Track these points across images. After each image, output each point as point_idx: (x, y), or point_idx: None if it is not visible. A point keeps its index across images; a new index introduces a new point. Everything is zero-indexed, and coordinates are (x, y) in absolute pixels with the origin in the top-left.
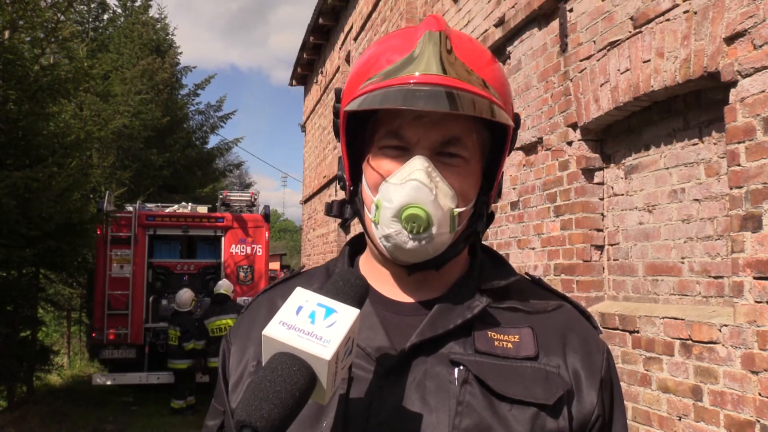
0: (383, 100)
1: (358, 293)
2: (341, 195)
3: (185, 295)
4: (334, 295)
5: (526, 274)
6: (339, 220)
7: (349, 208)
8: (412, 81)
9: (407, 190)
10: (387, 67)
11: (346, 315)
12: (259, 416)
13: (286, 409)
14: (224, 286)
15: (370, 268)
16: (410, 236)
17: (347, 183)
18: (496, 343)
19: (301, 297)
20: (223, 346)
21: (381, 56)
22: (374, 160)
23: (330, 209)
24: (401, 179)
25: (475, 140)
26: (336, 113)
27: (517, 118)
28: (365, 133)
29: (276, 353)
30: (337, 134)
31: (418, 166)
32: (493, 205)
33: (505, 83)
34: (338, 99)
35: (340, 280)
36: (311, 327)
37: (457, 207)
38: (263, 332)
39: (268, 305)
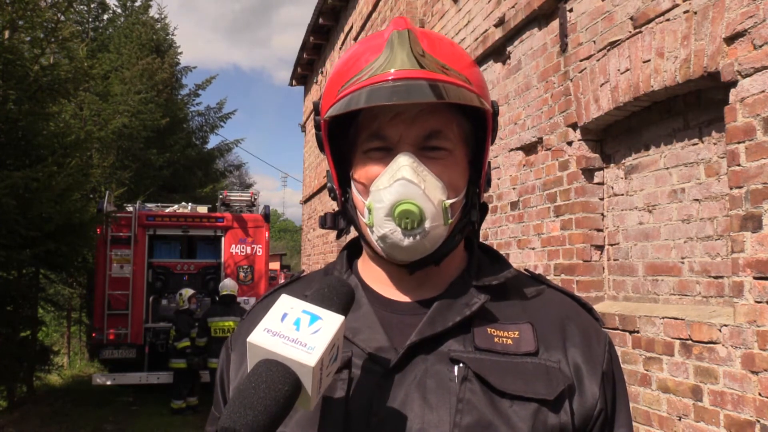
0: (366, 100)
1: (343, 300)
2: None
3: (181, 291)
4: (320, 302)
5: (525, 270)
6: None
7: (342, 219)
8: (390, 78)
9: (396, 188)
10: (362, 70)
11: (331, 322)
12: (243, 423)
13: (270, 416)
14: (230, 285)
15: (368, 270)
16: (405, 233)
17: (337, 193)
18: (496, 339)
19: (286, 304)
20: (223, 354)
21: (354, 61)
22: (361, 165)
23: (324, 222)
24: (389, 179)
25: (456, 131)
26: (317, 126)
27: (494, 105)
28: (348, 141)
29: (260, 360)
30: (321, 147)
31: (403, 163)
32: (485, 196)
33: (473, 67)
34: (317, 111)
35: (326, 287)
36: (296, 334)
37: (447, 198)
38: (248, 339)
39: (266, 311)
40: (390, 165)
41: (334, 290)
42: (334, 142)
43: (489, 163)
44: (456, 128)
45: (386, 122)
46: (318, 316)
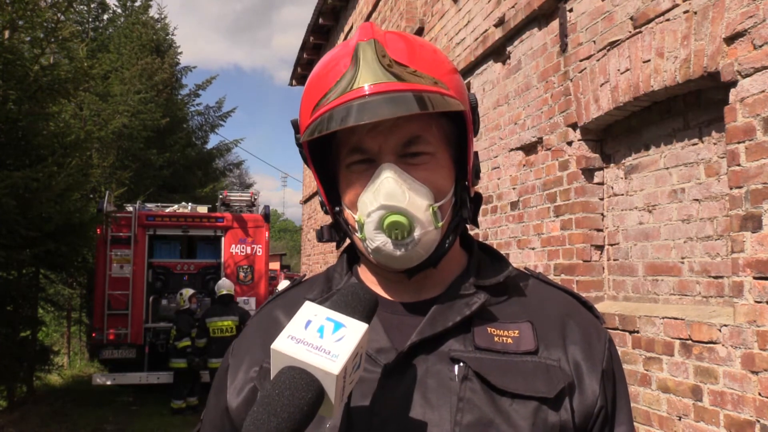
0: (339, 121)
1: (366, 308)
2: None
3: (181, 291)
4: (343, 309)
5: (525, 268)
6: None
7: (336, 232)
8: (366, 93)
9: (381, 201)
10: (331, 88)
11: (355, 329)
12: (266, 430)
13: (294, 423)
14: (226, 285)
15: (368, 273)
16: (396, 244)
17: (328, 208)
18: (496, 338)
19: (310, 311)
20: (224, 362)
21: (323, 76)
22: (346, 180)
23: (321, 236)
24: (374, 192)
25: (436, 133)
26: (299, 145)
27: (472, 99)
28: (332, 156)
29: (284, 367)
30: (307, 164)
31: (385, 175)
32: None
33: (451, 72)
34: (297, 130)
35: (349, 294)
36: (320, 341)
37: (435, 202)
38: (272, 346)
39: (268, 317)
40: (372, 180)
41: (358, 297)
42: (318, 158)
43: (476, 153)
44: (436, 130)
45: (365, 135)
46: (342, 324)
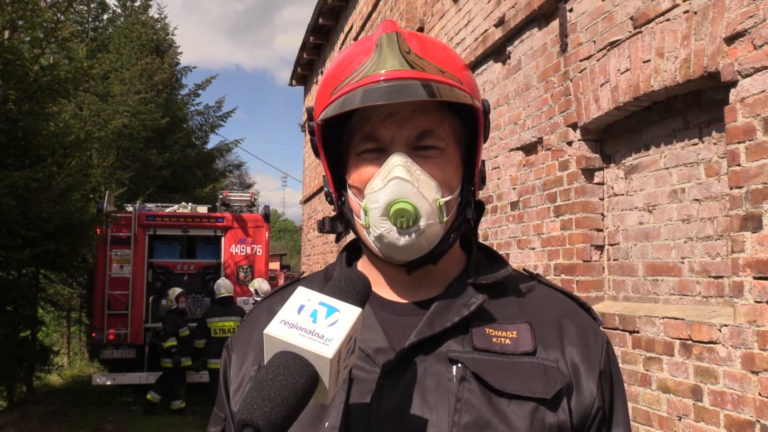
0: (358, 100)
1: (360, 293)
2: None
3: (168, 292)
4: (336, 294)
5: (524, 270)
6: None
7: (339, 223)
8: (382, 78)
9: (390, 187)
10: (353, 72)
11: (348, 314)
12: (260, 415)
13: (288, 409)
14: (225, 286)
15: (368, 271)
16: (401, 231)
17: (334, 196)
18: (494, 339)
19: (303, 296)
20: (224, 355)
21: (345, 65)
22: (355, 167)
23: (322, 226)
24: (383, 179)
25: (448, 130)
26: (311, 131)
27: (485, 103)
28: (342, 145)
29: (278, 352)
30: (316, 152)
31: (396, 162)
32: (483, 196)
33: (465, 70)
34: (311, 117)
35: (343, 280)
36: (313, 326)
37: (442, 197)
38: (264, 331)
39: (268, 311)
40: (383, 166)
41: (351, 282)
42: (328, 147)
43: (483, 161)
44: (448, 127)
45: (378, 123)
46: (335, 308)
